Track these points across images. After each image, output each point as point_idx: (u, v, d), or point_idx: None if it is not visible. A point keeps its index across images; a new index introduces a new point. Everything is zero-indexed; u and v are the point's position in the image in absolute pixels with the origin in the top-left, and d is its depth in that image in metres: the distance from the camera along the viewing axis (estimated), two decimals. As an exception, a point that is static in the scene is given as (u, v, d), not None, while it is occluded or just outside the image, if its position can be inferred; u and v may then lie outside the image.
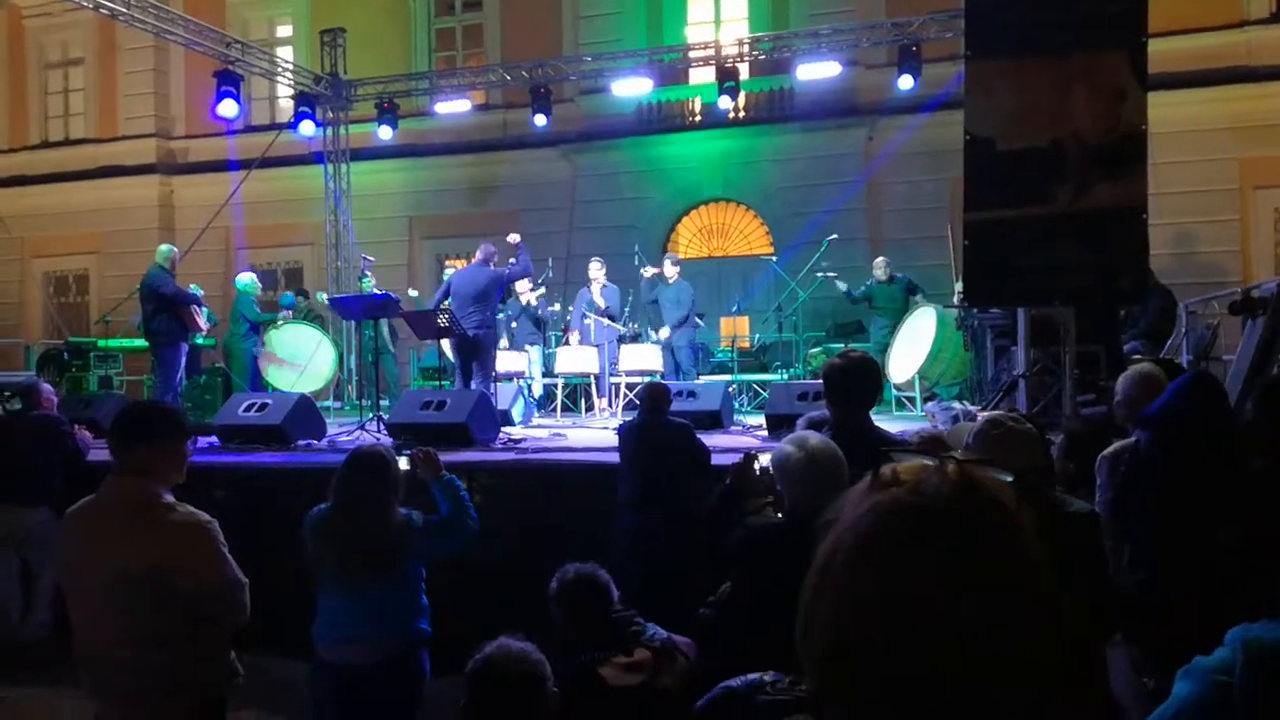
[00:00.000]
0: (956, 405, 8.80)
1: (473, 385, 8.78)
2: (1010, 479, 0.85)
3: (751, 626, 2.86)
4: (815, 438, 3.05)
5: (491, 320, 9.09)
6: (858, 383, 3.55)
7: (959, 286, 8.67)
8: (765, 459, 4.04)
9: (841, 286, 11.27)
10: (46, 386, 7.03)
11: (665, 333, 10.85)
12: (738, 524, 3.23)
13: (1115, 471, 3.41)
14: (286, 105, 15.32)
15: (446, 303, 9.08)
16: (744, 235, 15.69)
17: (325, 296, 12.15)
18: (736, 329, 14.05)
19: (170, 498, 2.91)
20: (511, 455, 7.11)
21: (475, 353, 8.94)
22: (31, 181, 18.30)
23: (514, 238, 9.41)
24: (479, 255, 9.18)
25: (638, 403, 6.58)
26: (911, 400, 10.62)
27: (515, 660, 2.57)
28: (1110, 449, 3.62)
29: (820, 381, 4.30)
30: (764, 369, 12.60)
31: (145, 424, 2.97)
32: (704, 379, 10.85)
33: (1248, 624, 1.34)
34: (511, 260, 9.23)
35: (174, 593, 2.78)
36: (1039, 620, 0.76)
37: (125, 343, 12.15)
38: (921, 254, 12.31)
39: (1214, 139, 12.97)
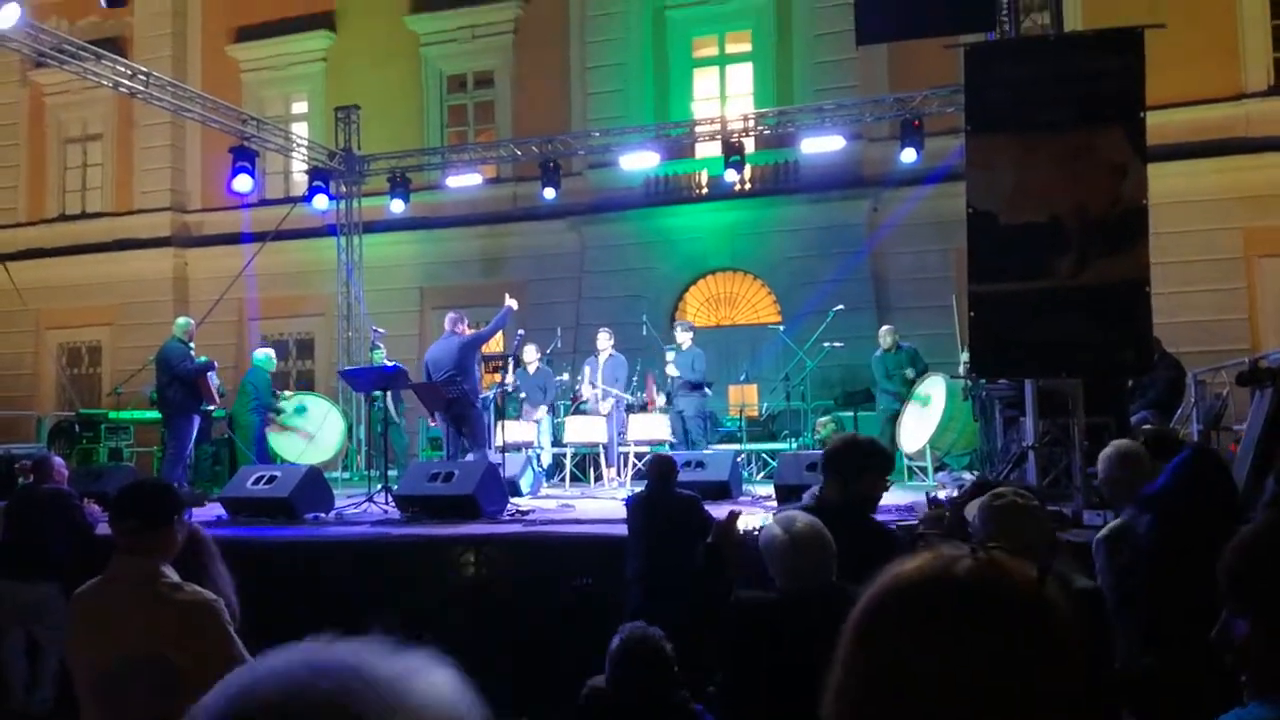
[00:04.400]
0: (967, 476, 8.77)
1: (470, 456, 8.75)
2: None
3: (741, 699, 2.83)
4: (802, 519, 3.04)
5: (471, 386, 9.04)
6: (853, 465, 3.49)
7: (964, 356, 8.67)
8: (750, 517, 4.02)
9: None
10: (58, 460, 7.05)
11: (672, 370, 10.82)
12: (722, 583, 3.21)
13: (1114, 554, 3.38)
14: (300, 179, 15.56)
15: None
16: (751, 304, 15.77)
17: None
18: (745, 398, 14.02)
19: (174, 576, 2.92)
20: (519, 527, 7.09)
21: (459, 421, 8.93)
22: (48, 254, 18.56)
23: (510, 303, 9.36)
24: (446, 325, 9.25)
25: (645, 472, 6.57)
26: (923, 470, 10.58)
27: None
28: (1104, 530, 3.58)
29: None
30: (772, 438, 12.55)
31: (139, 504, 3.01)
32: (712, 448, 10.83)
33: (1239, 709, 1.34)
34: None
35: (179, 674, 2.78)
36: (1065, 692, 0.76)
37: (136, 414, 12.19)
38: (927, 323, 12.35)
39: (1218, 209, 13.09)
